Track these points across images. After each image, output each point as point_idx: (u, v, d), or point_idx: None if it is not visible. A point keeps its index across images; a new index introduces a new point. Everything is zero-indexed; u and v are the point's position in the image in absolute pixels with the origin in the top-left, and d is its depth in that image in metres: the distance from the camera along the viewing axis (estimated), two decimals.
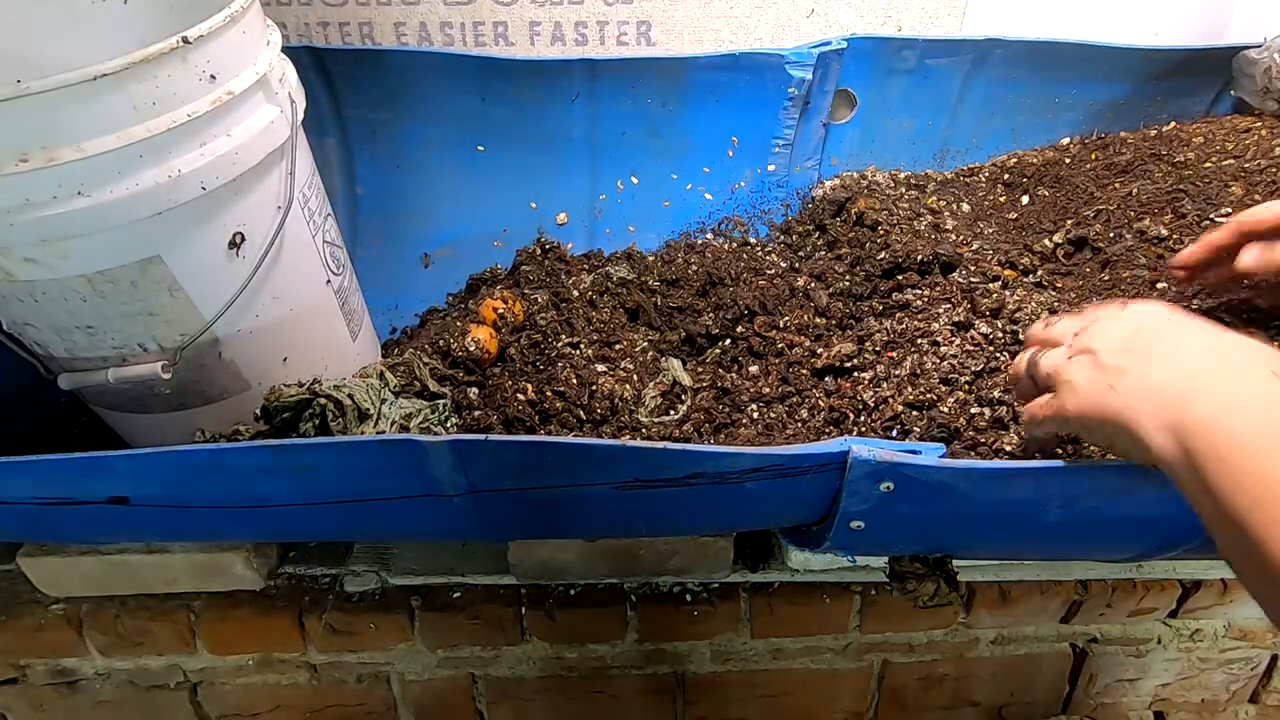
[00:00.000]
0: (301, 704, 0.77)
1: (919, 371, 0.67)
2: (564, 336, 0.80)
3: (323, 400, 0.65)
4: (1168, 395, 0.40)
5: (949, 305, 0.75)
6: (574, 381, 0.73)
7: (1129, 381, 0.41)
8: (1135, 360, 0.42)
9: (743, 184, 1.02)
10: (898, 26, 1.03)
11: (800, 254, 0.96)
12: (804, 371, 0.74)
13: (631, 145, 0.99)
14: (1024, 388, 0.52)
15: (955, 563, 0.72)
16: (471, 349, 0.78)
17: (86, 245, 0.55)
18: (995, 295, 0.73)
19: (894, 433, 0.64)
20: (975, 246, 0.84)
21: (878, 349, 0.72)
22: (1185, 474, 0.39)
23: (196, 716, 0.78)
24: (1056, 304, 0.73)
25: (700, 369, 0.80)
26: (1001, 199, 0.92)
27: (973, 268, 0.80)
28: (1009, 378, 0.59)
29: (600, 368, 0.76)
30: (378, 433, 0.66)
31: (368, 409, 0.67)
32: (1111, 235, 0.77)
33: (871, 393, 0.67)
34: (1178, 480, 0.39)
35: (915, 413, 0.64)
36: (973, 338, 0.70)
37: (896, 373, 0.68)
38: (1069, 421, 0.46)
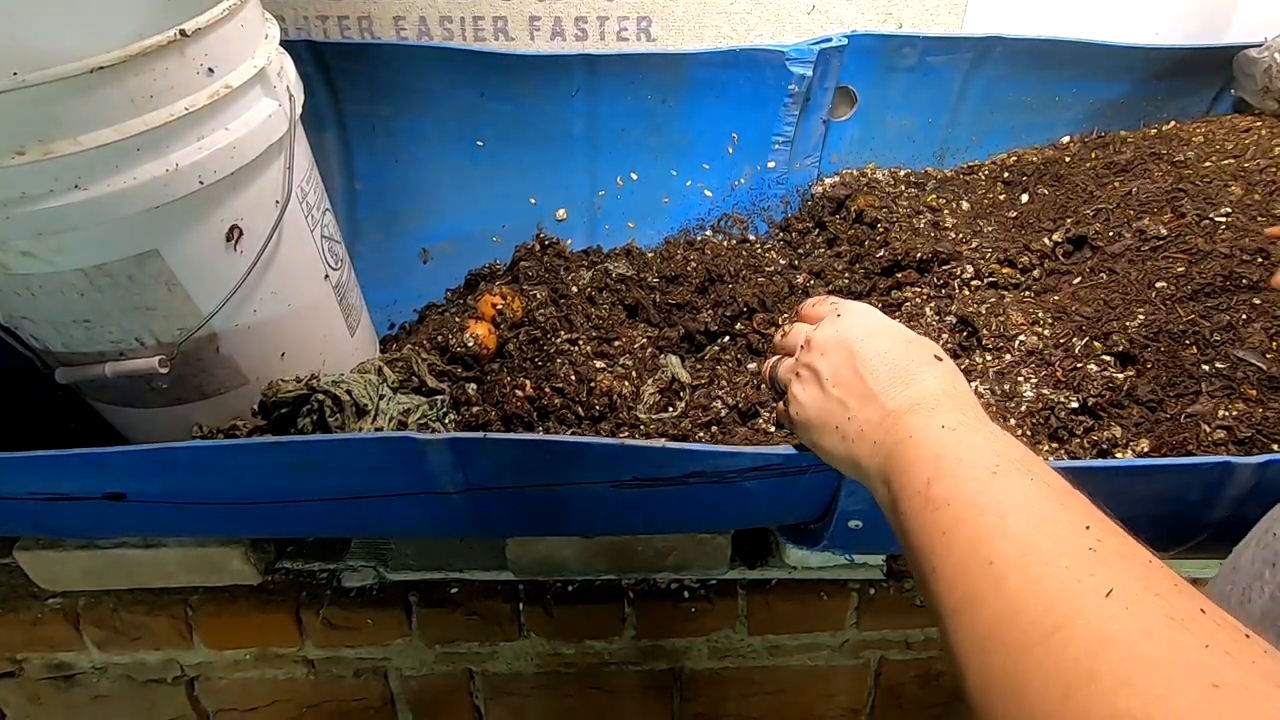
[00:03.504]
0: (299, 699, 0.77)
1: None
2: (563, 333, 0.80)
3: (320, 396, 0.65)
4: (878, 438, 0.41)
5: (936, 302, 0.75)
6: (572, 378, 0.72)
7: (850, 424, 0.43)
8: (852, 394, 0.43)
9: (742, 181, 1.02)
10: (898, 24, 1.03)
11: (800, 251, 0.96)
12: None
13: (631, 141, 0.98)
14: (773, 394, 0.55)
15: None
16: (470, 345, 0.78)
17: (83, 239, 0.55)
18: (968, 297, 0.74)
19: None
20: (974, 244, 0.84)
21: None
22: (892, 520, 0.38)
23: (193, 711, 0.78)
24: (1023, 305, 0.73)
25: (699, 366, 0.80)
26: (1001, 197, 0.92)
27: (971, 267, 0.80)
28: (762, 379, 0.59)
29: (599, 364, 0.75)
30: (376, 429, 0.66)
31: (366, 405, 0.67)
32: (1111, 234, 0.77)
33: None
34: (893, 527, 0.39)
35: None
36: (959, 329, 0.70)
37: None
38: (804, 440, 0.48)
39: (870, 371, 0.43)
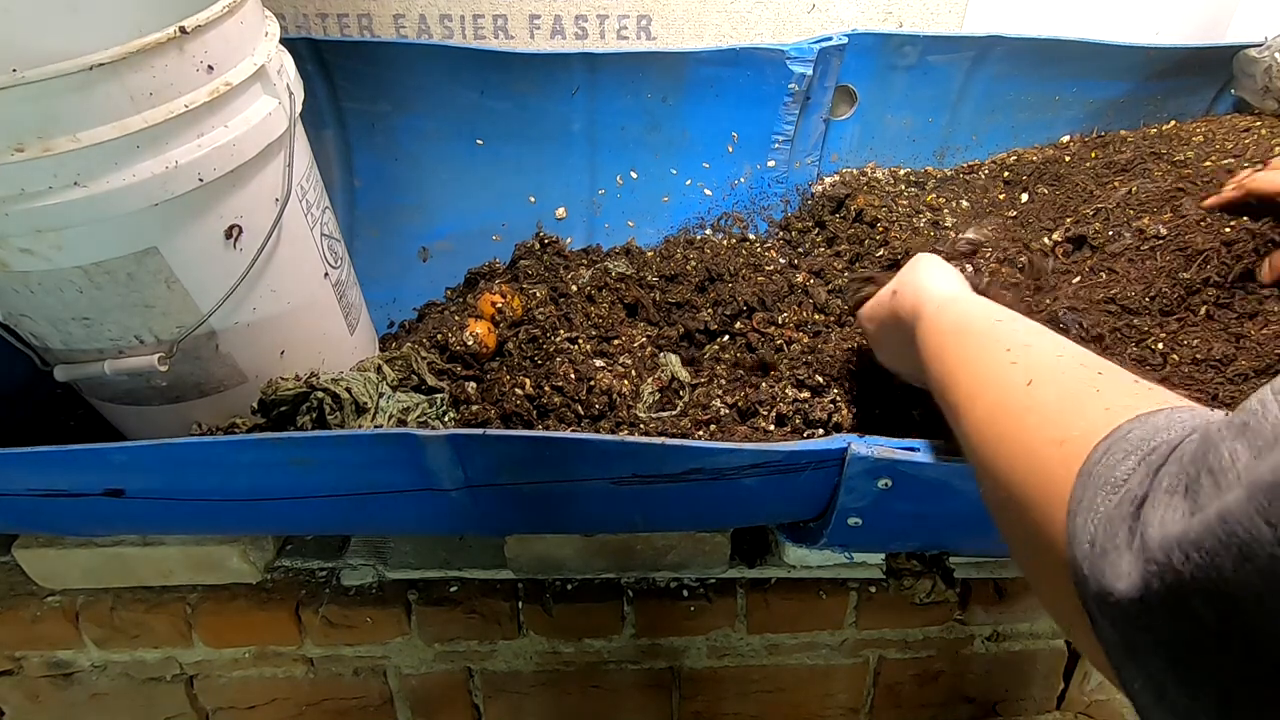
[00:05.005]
0: (298, 697, 0.77)
1: None
2: (562, 331, 0.80)
3: (320, 394, 0.65)
4: (914, 302, 0.53)
5: None
6: (572, 376, 0.72)
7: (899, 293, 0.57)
8: (905, 277, 0.58)
9: (742, 180, 1.02)
10: (899, 23, 1.03)
11: (799, 250, 0.96)
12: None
13: (631, 140, 0.98)
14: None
15: (951, 559, 0.72)
16: (469, 343, 0.78)
17: (82, 236, 0.55)
18: None
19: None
20: None
21: None
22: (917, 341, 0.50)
23: (193, 709, 0.78)
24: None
25: (699, 365, 0.80)
26: (1001, 196, 0.92)
27: (970, 266, 0.80)
28: None
29: (598, 363, 0.75)
30: (375, 426, 0.66)
31: (365, 403, 0.67)
32: (1110, 234, 0.77)
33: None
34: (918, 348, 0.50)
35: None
36: None
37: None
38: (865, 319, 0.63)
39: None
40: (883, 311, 0.58)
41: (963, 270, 0.66)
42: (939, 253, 0.67)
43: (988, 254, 0.71)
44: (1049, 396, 0.35)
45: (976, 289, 0.56)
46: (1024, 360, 0.38)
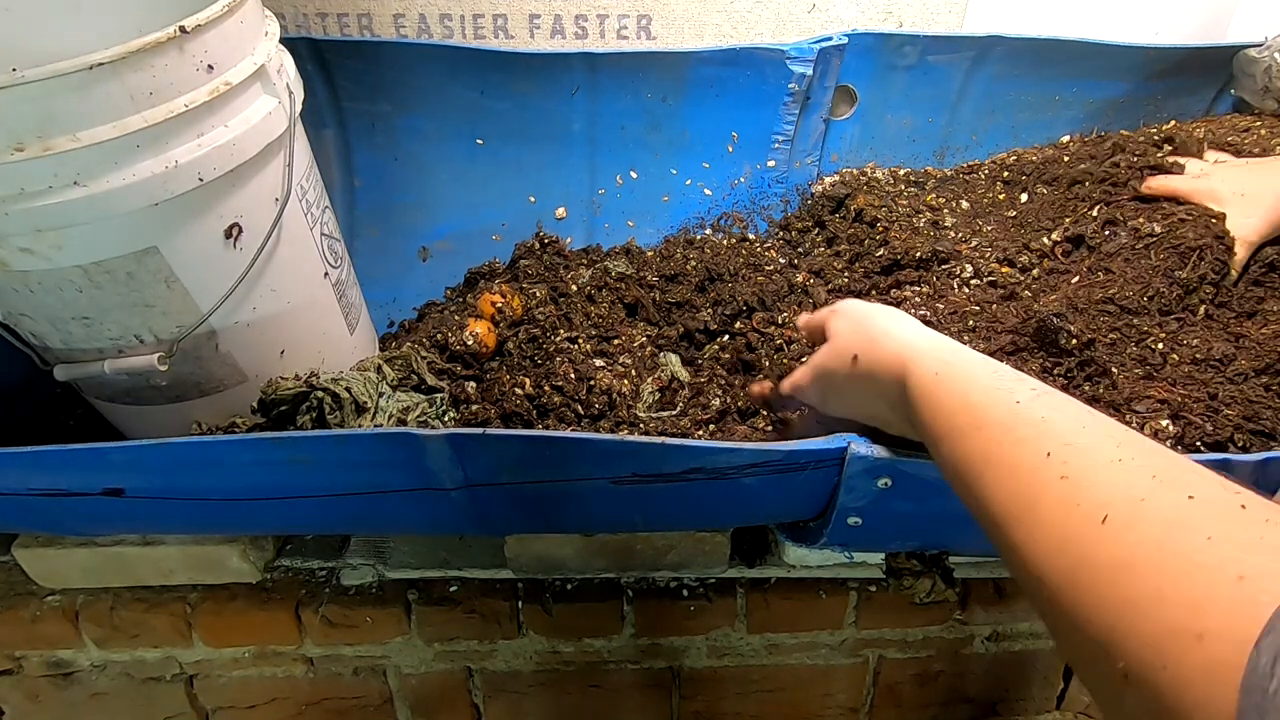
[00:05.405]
0: (297, 697, 0.77)
1: None
2: (562, 331, 0.80)
3: (320, 393, 0.65)
4: (897, 362, 0.48)
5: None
6: (572, 376, 0.72)
7: (869, 352, 0.51)
8: (868, 334, 0.52)
9: (742, 180, 1.02)
10: (899, 23, 1.03)
11: (799, 250, 0.96)
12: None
13: (631, 140, 0.98)
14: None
15: (951, 559, 0.72)
16: (469, 343, 0.78)
17: (82, 235, 0.55)
18: (968, 296, 0.74)
19: None
20: (974, 244, 0.84)
21: None
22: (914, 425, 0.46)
23: (192, 709, 0.78)
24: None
25: (699, 364, 0.80)
26: (1001, 196, 0.92)
27: (970, 266, 0.80)
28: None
29: (598, 362, 0.75)
30: (375, 426, 0.66)
31: (365, 402, 0.67)
32: (1108, 234, 0.77)
33: None
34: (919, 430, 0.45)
35: None
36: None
37: None
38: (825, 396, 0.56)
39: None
40: (840, 378, 0.52)
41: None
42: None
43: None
44: (1140, 547, 0.27)
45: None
46: (1079, 474, 0.32)
